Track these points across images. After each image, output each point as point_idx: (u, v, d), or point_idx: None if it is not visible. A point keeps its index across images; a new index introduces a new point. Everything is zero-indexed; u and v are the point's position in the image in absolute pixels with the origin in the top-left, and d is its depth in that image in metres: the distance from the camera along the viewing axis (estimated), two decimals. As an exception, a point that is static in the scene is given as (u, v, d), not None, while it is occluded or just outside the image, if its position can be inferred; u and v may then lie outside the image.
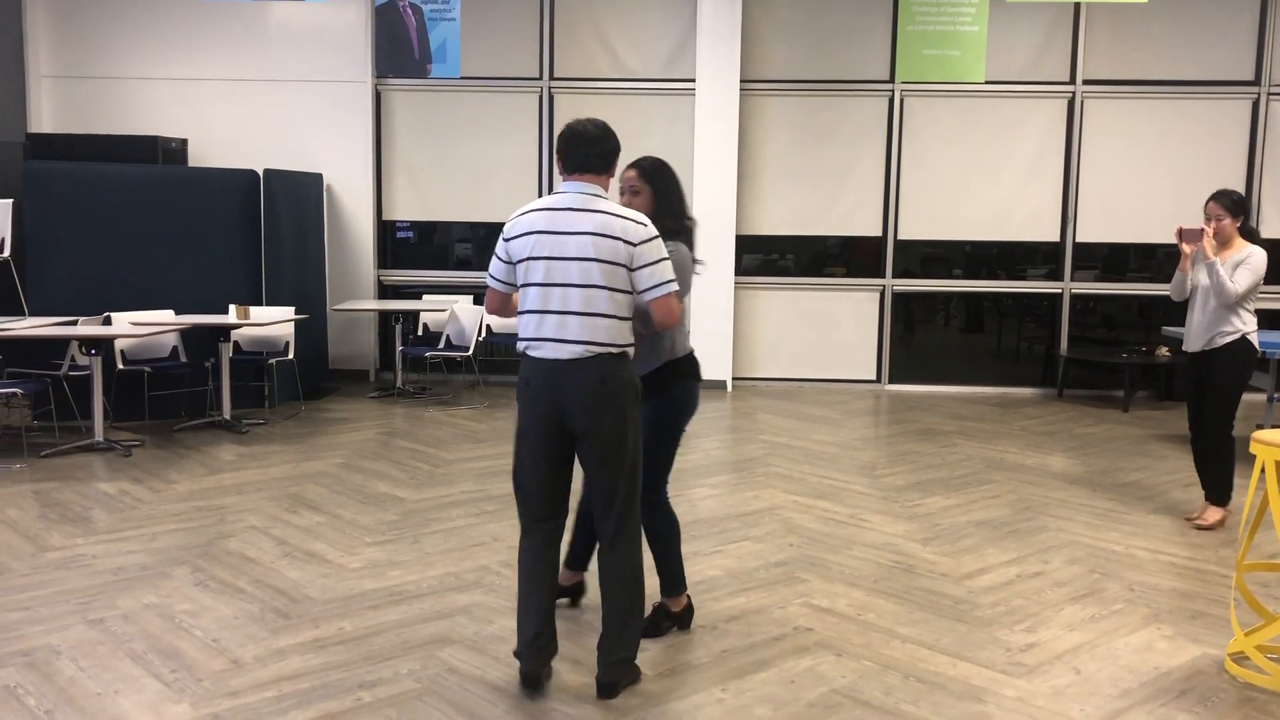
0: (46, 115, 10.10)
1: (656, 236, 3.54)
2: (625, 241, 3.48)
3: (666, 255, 3.55)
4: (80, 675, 3.71)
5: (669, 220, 3.98)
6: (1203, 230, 5.60)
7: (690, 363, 4.07)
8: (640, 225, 3.52)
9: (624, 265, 3.48)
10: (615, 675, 3.62)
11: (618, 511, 3.60)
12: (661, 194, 4.00)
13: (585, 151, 3.61)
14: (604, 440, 3.52)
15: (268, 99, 10.03)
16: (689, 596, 4.24)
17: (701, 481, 6.56)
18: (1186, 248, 5.68)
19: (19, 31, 9.96)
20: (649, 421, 3.93)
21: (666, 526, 4.10)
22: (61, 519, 5.59)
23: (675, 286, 3.54)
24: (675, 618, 4.18)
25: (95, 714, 3.43)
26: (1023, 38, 9.84)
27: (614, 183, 3.80)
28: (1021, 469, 7.03)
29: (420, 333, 9.91)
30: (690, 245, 4.05)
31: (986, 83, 9.66)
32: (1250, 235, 5.65)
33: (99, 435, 7.20)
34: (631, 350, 3.60)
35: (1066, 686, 3.74)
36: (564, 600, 4.37)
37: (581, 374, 3.48)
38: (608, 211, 3.52)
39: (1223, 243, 5.64)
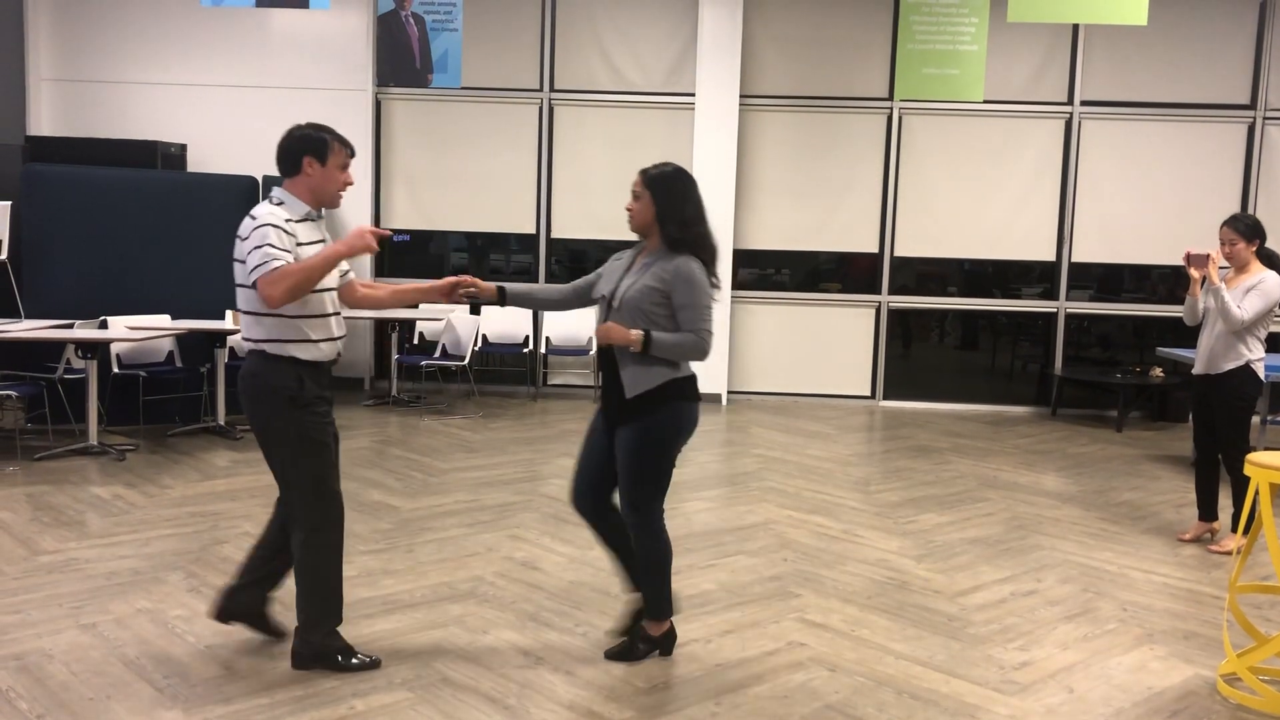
0: (46, 118, 10.10)
1: (262, 225, 3.56)
2: (239, 237, 3.63)
3: (264, 243, 3.52)
4: (73, 680, 3.69)
5: (671, 229, 3.88)
6: (1209, 255, 5.56)
7: (685, 384, 3.92)
8: (250, 219, 3.62)
9: (241, 260, 3.62)
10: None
11: (289, 512, 3.80)
12: (660, 202, 3.89)
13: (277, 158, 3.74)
14: (256, 435, 3.76)
15: (268, 105, 10.04)
16: (672, 624, 4.09)
17: (696, 495, 6.56)
18: (1194, 272, 5.64)
19: (20, 34, 9.97)
20: (631, 442, 3.88)
21: (651, 551, 3.94)
22: (55, 523, 5.57)
23: (268, 268, 3.49)
24: (654, 642, 4.05)
25: (87, 719, 3.42)
26: (1022, 58, 9.90)
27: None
28: (1015, 487, 7.05)
29: (416, 341, 9.91)
30: (704, 259, 3.87)
31: (985, 102, 9.70)
32: (1269, 260, 5.57)
33: (93, 439, 7.19)
34: (286, 348, 3.64)
35: (1059, 705, 3.75)
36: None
37: (243, 369, 3.74)
38: (250, 213, 3.65)
39: (1239, 267, 5.58)
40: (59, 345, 7.59)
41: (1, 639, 4.02)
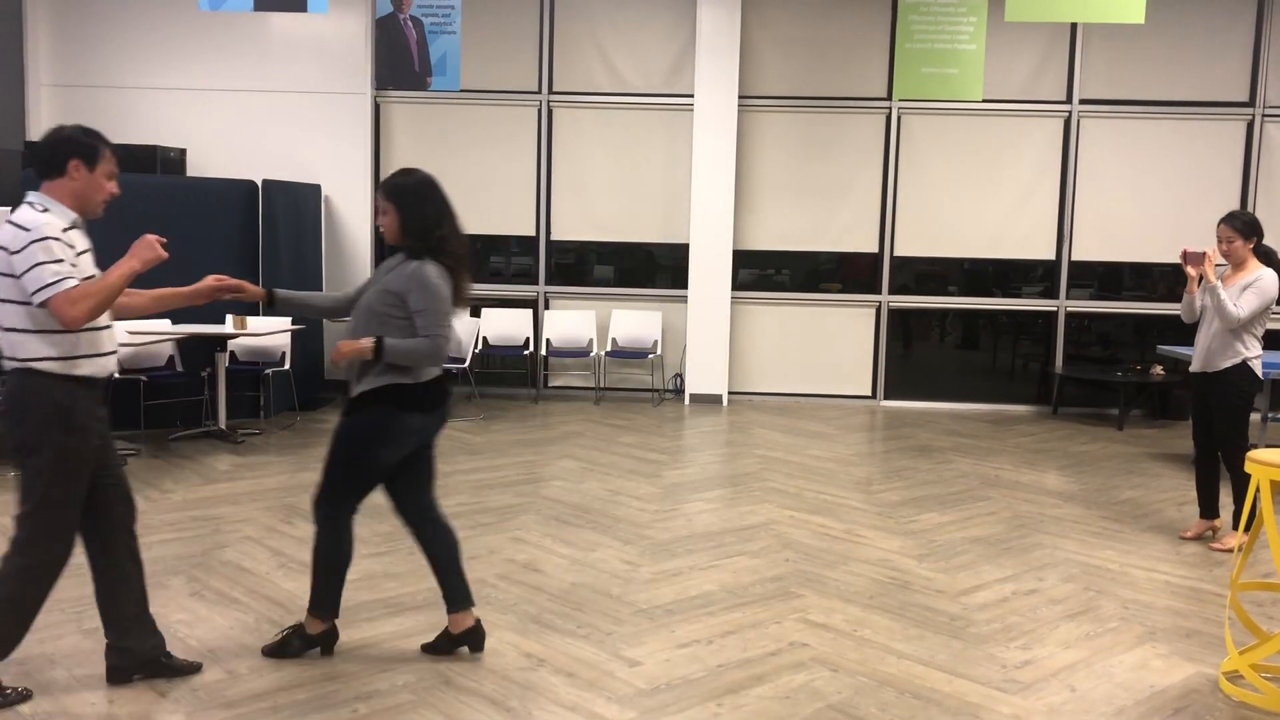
0: (46, 123, 10.09)
1: (39, 240, 3.32)
2: (5, 249, 3.35)
3: (49, 259, 3.31)
4: (75, 684, 3.70)
5: (412, 240, 3.81)
6: (1205, 254, 5.57)
7: (408, 392, 3.79)
8: (22, 230, 3.34)
9: (9, 274, 3.35)
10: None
11: (24, 534, 3.48)
12: (403, 213, 3.80)
13: (33, 156, 3.50)
14: (19, 455, 3.44)
15: (267, 109, 10.05)
16: (335, 625, 4.01)
17: (697, 496, 6.57)
18: (1191, 270, 5.65)
19: (19, 40, 9.97)
20: (336, 434, 3.85)
21: (330, 549, 3.89)
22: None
23: (63, 286, 3.31)
24: (312, 640, 3.96)
25: (90, 724, 3.42)
26: (1020, 57, 9.90)
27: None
28: (1017, 486, 7.05)
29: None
30: (447, 264, 3.81)
31: (984, 101, 9.70)
32: (1267, 257, 5.58)
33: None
34: (70, 365, 3.42)
35: (1062, 704, 3.75)
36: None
37: (10, 387, 3.45)
38: (9, 220, 3.40)
39: (1236, 264, 5.59)
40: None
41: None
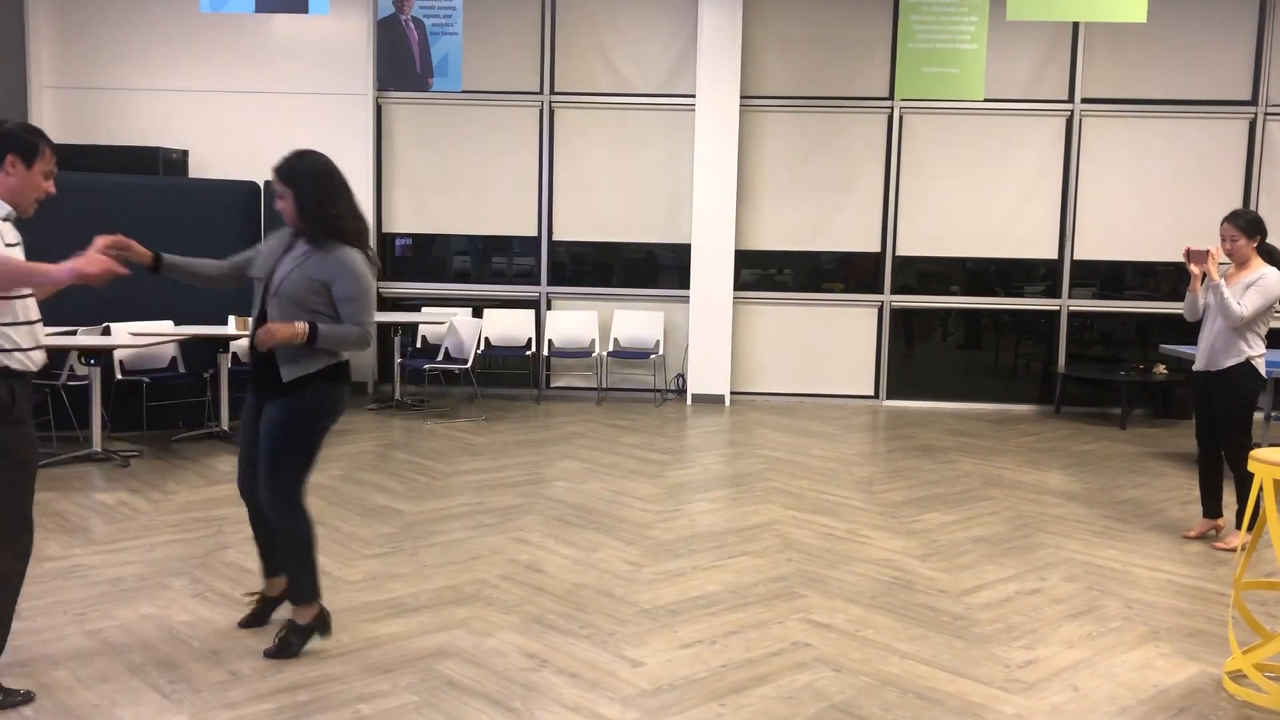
0: (48, 126, 10.09)
1: None
2: None
3: None
4: (78, 686, 3.70)
5: (310, 222, 3.89)
6: (1209, 252, 5.57)
7: (340, 368, 4.00)
8: None
9: None
10: None
11: None
12: (298, 196, 3.90)
13: None
14: None
15: (269, 111, 10.06)
16: (323, 606, 4.07)
17: (699, 496, 6.56)
18: (1194, 269, 5.65)
19: (21, 42, 9.98)
20: (277, 418, 3.89)
21: (293, 530, 3.95)
22: (59, 529, 5.58)
23: None
24: (306, 631, 4.01)
25: (93, 725, 3.42)
26: (1022, 56, 9.90)
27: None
28: (1019, 485, 7.04)
29: (419, 345, 9.92)
30: (359, 245, 3.93)
31: (985, 100, 9.70)
32: (1270, 255, 5.57)
33: (97, 445, 7.20)
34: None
35: (1065, 704, 3.74)
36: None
37: None
38: None
39: (1239, 263, 5.58)
40: (62, 352, 7.59)
41: (7, 645, 4.02)
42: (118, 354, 7.77)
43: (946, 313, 10.39)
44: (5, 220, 3.49)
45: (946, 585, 4.99)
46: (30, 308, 3.50)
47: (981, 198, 10.06)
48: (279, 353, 3.86)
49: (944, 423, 9.39)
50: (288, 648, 3.98)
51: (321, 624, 4.05)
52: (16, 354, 3.43)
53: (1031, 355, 10.38)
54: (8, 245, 3.43)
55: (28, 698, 3.60)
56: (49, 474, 6.76)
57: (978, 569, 5.25)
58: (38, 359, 3.54)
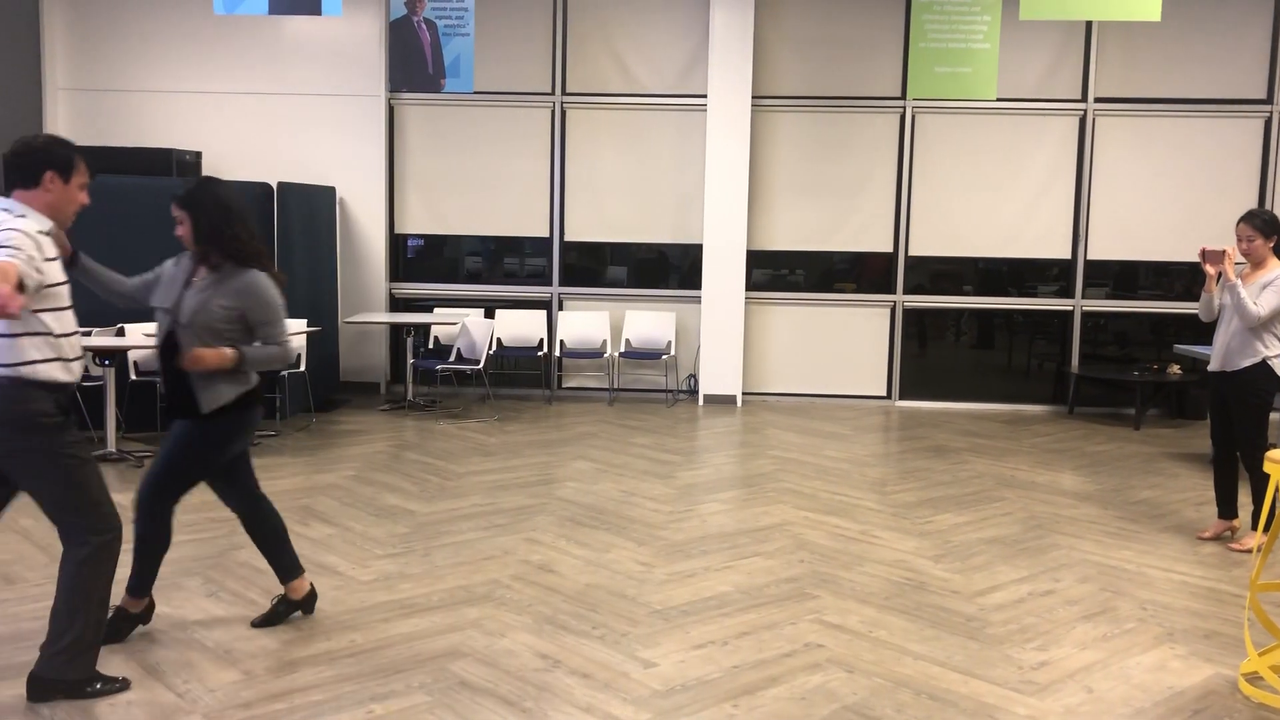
0: (63, 127, 10.16)
1: (11, 229, 3.34)
2: None
3: (7, 245, 3.28)
4: (105, 695, 3.71)
5: (205, 243, 4.01)
6: (1224, 251, 5.54)
7: (254, 392, 4.13)
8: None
9: None
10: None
11: (65, 535, 3.61)
12: (196, 222, 4.01)
13: (5, 166, 3.56)
14: (14, 467, 3.53)
15: (282, 112, 10.09)
16: (313, 585, 4.44)
17: (712, 497, 6.56)
18: (1209, 269, 5.62)
19: (36, 44, 10.04)
20: (193, 439, 4.00)
21: (154, 534, 4.09)
22: (74, 529, 5.60)
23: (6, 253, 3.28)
24: (295, 604, 4.38)
25: (108, 724, 3.44)
26: (1034, 55, 9.86)
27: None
28: (1032, 486, 7.02)
29: (431, 346, 9.94)
30: (261, 265, 4.05)
31: (998, 100, 9.68)
32: None
33: (111, 446, 7.23)
34: (40, 370, 3.43)
35: (1079, 705, 3.73)
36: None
37: None
38: None
39: (1256, 263, 5.55)
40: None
41: (22, 645, 4.05)
42: (132, 355, 7.80)
43: (959, 313, 10.36)
44: (45, 234, 3.51)
45: (959, 586, 4.98)
46: (71, 319, 3.59)
47: (994, 197, 10.03)
48: (197, 379, 3.95)
49: (957, 423, 9.36)
50: (275, 617, 4.33)
51: (309, 601, 4.42)
52: (59, 365, 3.52)
53: (1044, 355, 10.34)
54: (47, 259, 3.47)
55: (124, 685, 3.70)
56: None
57: (991, 570, 5.23)
58: (78, 370, 3.63)
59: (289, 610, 4.37)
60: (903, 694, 3.79)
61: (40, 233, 3.46)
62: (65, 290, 3.56)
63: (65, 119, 10.18)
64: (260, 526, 4.29)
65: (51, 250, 3.52)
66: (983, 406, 10.17)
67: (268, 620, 4.30)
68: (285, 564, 4.35)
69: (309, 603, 4.42)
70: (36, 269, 3.36)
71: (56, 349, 3.50)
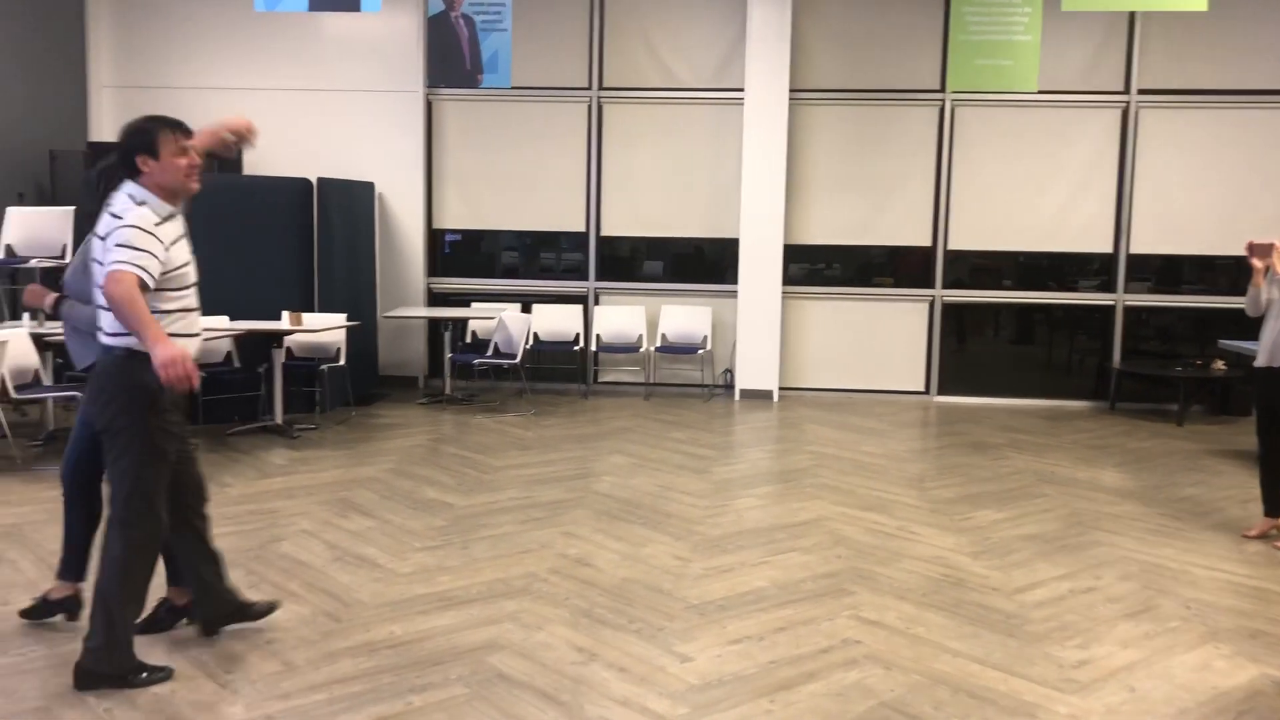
0: (107, 124, 10.31)
1: (129, 226, 3.51)
2: (98, 235, 3.63)
3: (127, 245, 3.47)
4: (147, 685, 3.76)
5: None
6: (1273, 245, 5.45)
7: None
8: (116, 218, 3.55)
9: (102, 263, 3.57)
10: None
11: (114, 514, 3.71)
12: None
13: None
14: (106, 435, 3.67)
15: (322, 108, 10.18)
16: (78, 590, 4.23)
17: (748, 492, 6.55)
18: (1257, 263, 5.53)
19: (81, 43, 10.18)
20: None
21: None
22: (119, 520, 5.68)
23: (126, 269, 3.45)
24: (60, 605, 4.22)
25: (152, 713, 3.49)
26: (1076, 47, 9.74)
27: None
28: (1073, 483, 6.94)
29: (469, 340, 9.99)
30: None
31: (1039, 92, 9.57)
32: None
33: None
34: (121, 342, 3.58)
35: (1121, 705, 3.69)
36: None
37: (100, 364, 3.71)
38: (109, 210, 3.63)
39: None
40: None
41: (71, 634, 4.11)
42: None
43: (999, 307, 10.26)
44: (166, 220, 3.62)
45: (999, 583, 4.93)
46: (185, 299, 3.68)
47: (1034, 191, 9.92)
48: None
49: (996, 419, 9.28)
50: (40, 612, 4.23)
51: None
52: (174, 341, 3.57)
53: (1086, 350, 10.22)
54: (171, 243, 3.60)
55: (168, 674, 3.74)
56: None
57: (1030, 567, 5.18)
58: (192, 347, 3.72)
59: (50, 610, 4.22)
60: (941, 691, 3.77)
61: (156, 223, 3.56)
62: (185, 272, 3.67)
63: (109, 116, 10.32)
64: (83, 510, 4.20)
65: (172, 234, 3.63)
66: (1022, 402, 10.07)
67: (31, 613, 4.21)
68: (79, 559, 4.21)
69: (75, 606, 4.23)
70: (159, 259, 3.51)
71: (168, 325, 3.58)
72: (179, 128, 3.68)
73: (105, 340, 3.62)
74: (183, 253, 3.68)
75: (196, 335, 3.75)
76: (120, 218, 3.54)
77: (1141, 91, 9.74)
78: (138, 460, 3.61)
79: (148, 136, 3.62)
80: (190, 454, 3.93)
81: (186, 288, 3.70)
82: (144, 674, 3.70)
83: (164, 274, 3.57)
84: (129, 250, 3.48)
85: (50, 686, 3.66)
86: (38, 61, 9.63)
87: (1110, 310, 10.01)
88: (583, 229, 10.26)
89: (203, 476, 4.02)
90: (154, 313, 3.53)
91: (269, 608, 4.21)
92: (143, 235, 3.51)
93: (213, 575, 4.04)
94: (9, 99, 9.25)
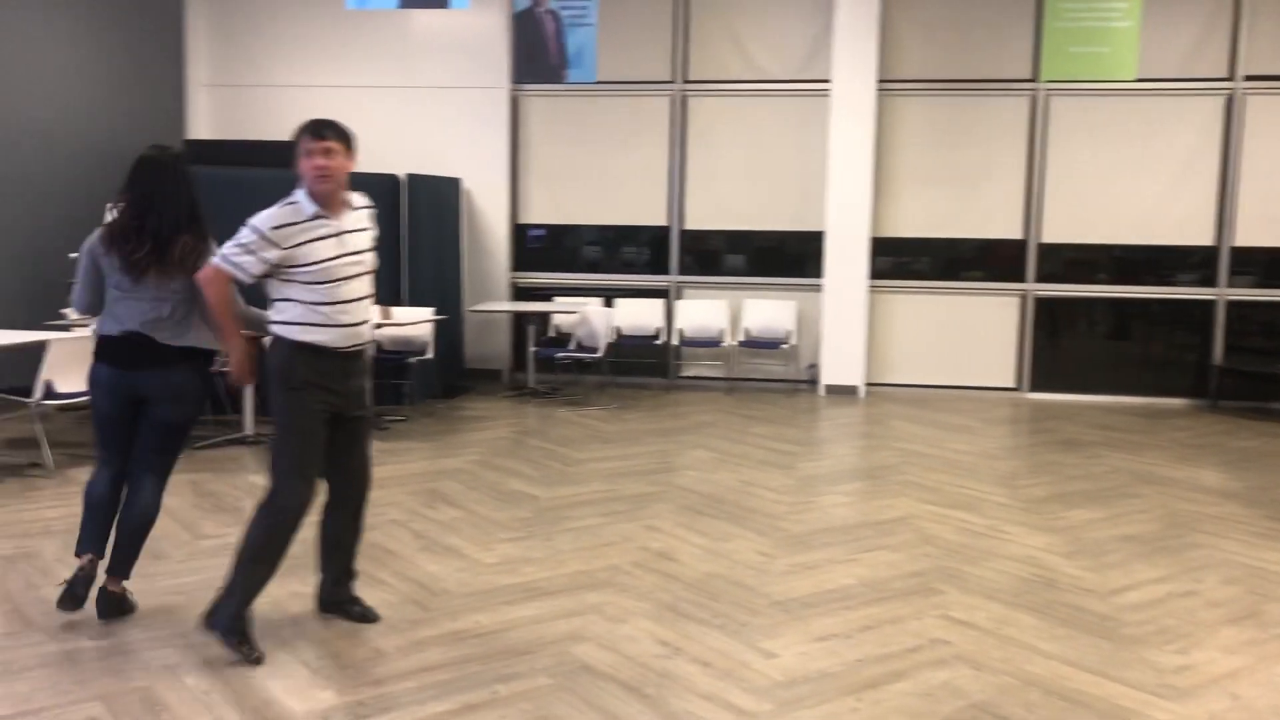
0: (203, 122, 10.60)
1: (250, 225, 3.84)
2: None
3: (238, 241, 3.84)
4: (234, 658, 3.86)
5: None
6: None
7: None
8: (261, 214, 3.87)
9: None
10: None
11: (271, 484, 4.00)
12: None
13: None
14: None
15: (410, 105, 10.33)
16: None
17: (833, 489, 6.48)
18: None
19: (179, 44, 10.48)
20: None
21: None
22: (215, 508, 5.85)
23: (224, 264, 3.84)
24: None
25: (247, 695, 3.58)
26: (1178, 32, 9.42)
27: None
28: (1171, 483, 6.73)
29: (552, 334, 10.05)
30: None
31: (1137, 80, 9.28)
32: None
33: (249, 429, 7.52)
34: (293, 331, 3.90)
35: (1223, 712, 3.56)
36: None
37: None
38: None
39: None
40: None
41: (170, 618, 4.24)
42: (266, 342, 8.07)
43: (1093, 302, 9.98)
44: (309, 220, 3.84)
45: (1093, 584, 4.80)
46: (323, 292, 3.86)
47: (1132, 182, 9.63)
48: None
49: (1090, 416, 9.04)
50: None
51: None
52: (310, 328, 3.86)
53: (1185, 347, 9.89)
54: (299, 244, 3.82)
55: (258, 659, 3.84)
56: (204, 456, 7.10)
57: (1127, 568, 5.04)
58: (330, 338, 3.90)
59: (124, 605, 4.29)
60: (1032, 693, 3.68)
61: (276, 226, 3.79)
62: (321, 267, 3.83)
63: (206, 114, 10.61)
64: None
65: (299, 236, 3.81)
66: (1118, 399, 9.80)
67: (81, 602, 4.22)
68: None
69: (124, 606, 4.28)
70: (263, 257, 3.79)
71: (307, 316, 3.84)
72: (310, 130, 3.87)
73: (271, 326, 3.95)
74: (321, 249, 3.84)
75: (337, 326, 3.89)
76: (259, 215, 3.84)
77: (1248, 78, 9.39)
78: (281, 435, 3.88)
79: (296, 140, 3.88)
80: (357, 437, 4.10)
81: (327, 282, 3.85)
82: (244, 646, 3.84)
83: (289, 267, 3.82)
84: (232, 246, 3.81)
85: (153, 668, 3.78)
86: (139, 62, 9.94)
87: (1211, 305, 9.68)
88: (665, 223, 10.25)
89: (366, 462, 4.17)
90: (286, 301, 3.86)
91: (364, 614, 4.26)
92: (250, 233, 3.79)
93: (339, 560, 4.25)
94: (111, 98, 9.56)
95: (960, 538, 5.49)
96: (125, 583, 4.23)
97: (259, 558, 3.87)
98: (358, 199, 4.08)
